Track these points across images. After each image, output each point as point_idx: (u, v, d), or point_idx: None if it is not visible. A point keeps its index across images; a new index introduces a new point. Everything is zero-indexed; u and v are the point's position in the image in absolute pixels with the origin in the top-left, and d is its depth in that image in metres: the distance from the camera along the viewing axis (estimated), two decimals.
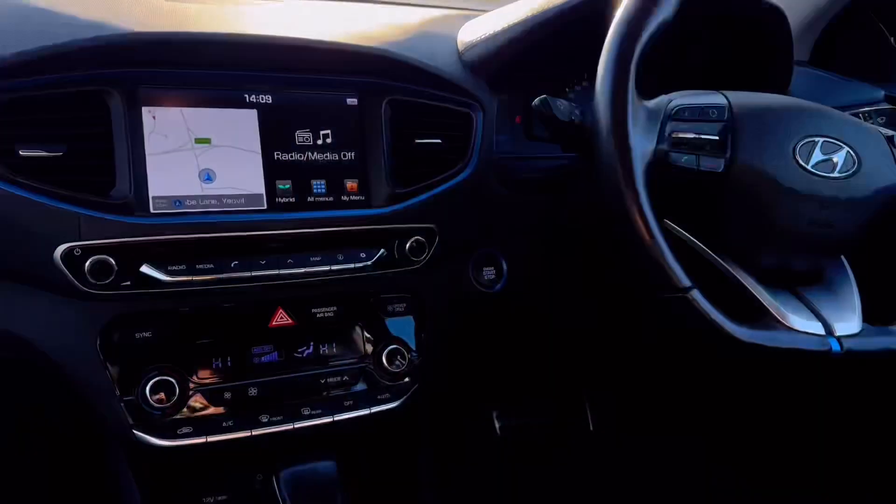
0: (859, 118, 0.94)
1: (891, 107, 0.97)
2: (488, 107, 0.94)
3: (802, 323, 0.74)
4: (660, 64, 1.04)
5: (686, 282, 0.71)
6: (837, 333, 0.75)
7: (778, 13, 1.00)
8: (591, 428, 1.65)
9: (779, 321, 0.73)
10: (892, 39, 0.93)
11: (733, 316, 0.72)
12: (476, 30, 0.97)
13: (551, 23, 0.90)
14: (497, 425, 1.55)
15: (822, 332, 0.74)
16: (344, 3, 1.19)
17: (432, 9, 1.17)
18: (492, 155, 0.95)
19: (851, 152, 0.76)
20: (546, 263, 1.03)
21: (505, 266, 1.00)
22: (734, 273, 0.76)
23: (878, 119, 0.95)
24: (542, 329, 1.08)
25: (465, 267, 0.98)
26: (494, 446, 1.59)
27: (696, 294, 0.71)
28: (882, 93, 1.17)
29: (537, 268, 1.03)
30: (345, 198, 0.86)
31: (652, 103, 0.75)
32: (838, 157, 0.76)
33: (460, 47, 0.97)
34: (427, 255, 0.90)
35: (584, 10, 0.86)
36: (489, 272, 1.00)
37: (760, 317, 0.74)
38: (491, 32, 0.95)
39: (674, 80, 1.04)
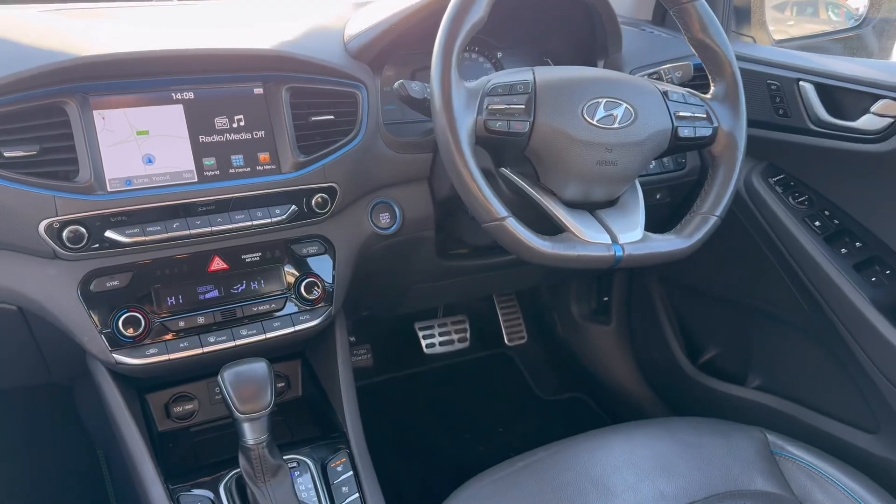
0: (660, 75, 1.19)
1: (685, 62, 1.20)
2: (371, 85, 1.17)
3: (593, 235, 0.99)
4: (507, 44, 1.29)
5: (503, 213, 0.96)
6: (621, 241, 1.00)
7: None
8: (507, 341, 1.94)
9: (576, 236, 0.98)
10: None
11: (544, 236, 0.98)
12: (358, 24, 1.21)
13: (409, 18, 1.14)
14: (423, 344, 1.83)
15: (608, 241, 1.00)
16: None
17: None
18: (379, 123, 1.19)
19: (629, 107, 1.01)
20: (431, 206, 1.28)
21: (398, 212, 1.25)
22: (547, 204, 1.02)
23: (676, 73, 1.18)
24: (435, 253, 1.34)
25: (365, 214, 1.22)
26: (420, 362, 1.86)
27: (510, 221, 0.95)
28: None
29: (425, 210, 1.28)
30: (259, 167, 1.08)
31: (473, 84, 0.98)
32: (618, 112, 1.00)
33: (346, 39, 1.20)
34: (331, 208, 1.13)
35: (432, 6, 1.10)
36: (385, 217, 1.24)
37: (563, 235, 1.00)
38: (368, 26, 1.18)
39: (519, 56, 1.29)
